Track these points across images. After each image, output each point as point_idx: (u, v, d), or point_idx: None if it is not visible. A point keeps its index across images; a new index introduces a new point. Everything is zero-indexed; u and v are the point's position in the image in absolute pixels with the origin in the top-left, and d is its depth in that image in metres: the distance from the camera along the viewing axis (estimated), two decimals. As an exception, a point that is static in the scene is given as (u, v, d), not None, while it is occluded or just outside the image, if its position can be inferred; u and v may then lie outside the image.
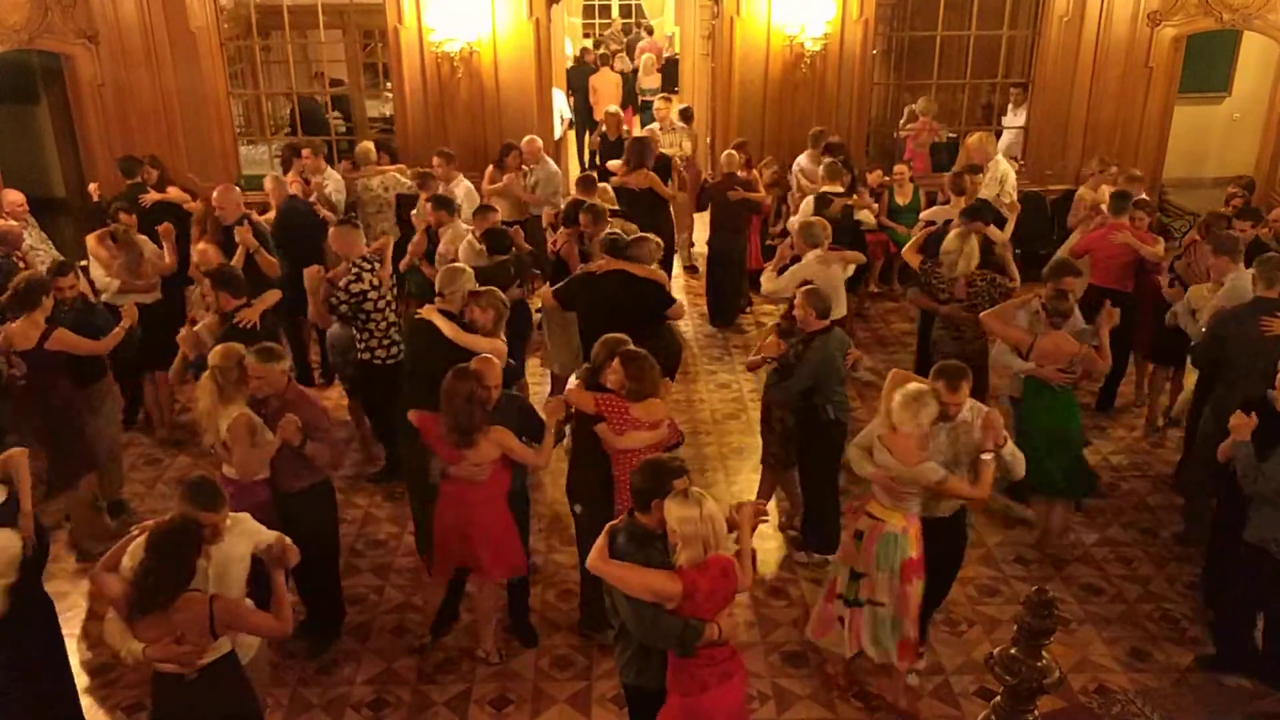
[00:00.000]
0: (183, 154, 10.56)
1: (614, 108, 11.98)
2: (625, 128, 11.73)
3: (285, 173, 9.41)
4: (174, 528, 3.86)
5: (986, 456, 4.82)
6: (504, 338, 6.01)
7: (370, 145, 9.79)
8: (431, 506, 5.32)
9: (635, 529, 3.97)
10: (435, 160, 9.12)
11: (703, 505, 3.80)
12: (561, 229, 7.68)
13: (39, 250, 8.07)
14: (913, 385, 4.85)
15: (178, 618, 3.75)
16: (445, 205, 7.83)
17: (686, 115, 11.52)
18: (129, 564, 3.90)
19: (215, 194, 7.65)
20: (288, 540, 4.32)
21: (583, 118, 15.23)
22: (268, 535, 4.33)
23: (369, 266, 6.72)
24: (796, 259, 7.28)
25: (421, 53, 10.35)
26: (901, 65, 12.43)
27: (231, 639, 3.98)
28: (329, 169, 9.50)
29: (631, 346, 5.21)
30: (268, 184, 8.70)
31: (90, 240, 7.65)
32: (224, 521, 4.15)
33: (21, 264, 7.36)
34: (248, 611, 4.03)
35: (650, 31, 20.04)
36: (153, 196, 8.88)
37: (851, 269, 7.53)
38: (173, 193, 9.15)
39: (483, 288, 6.01)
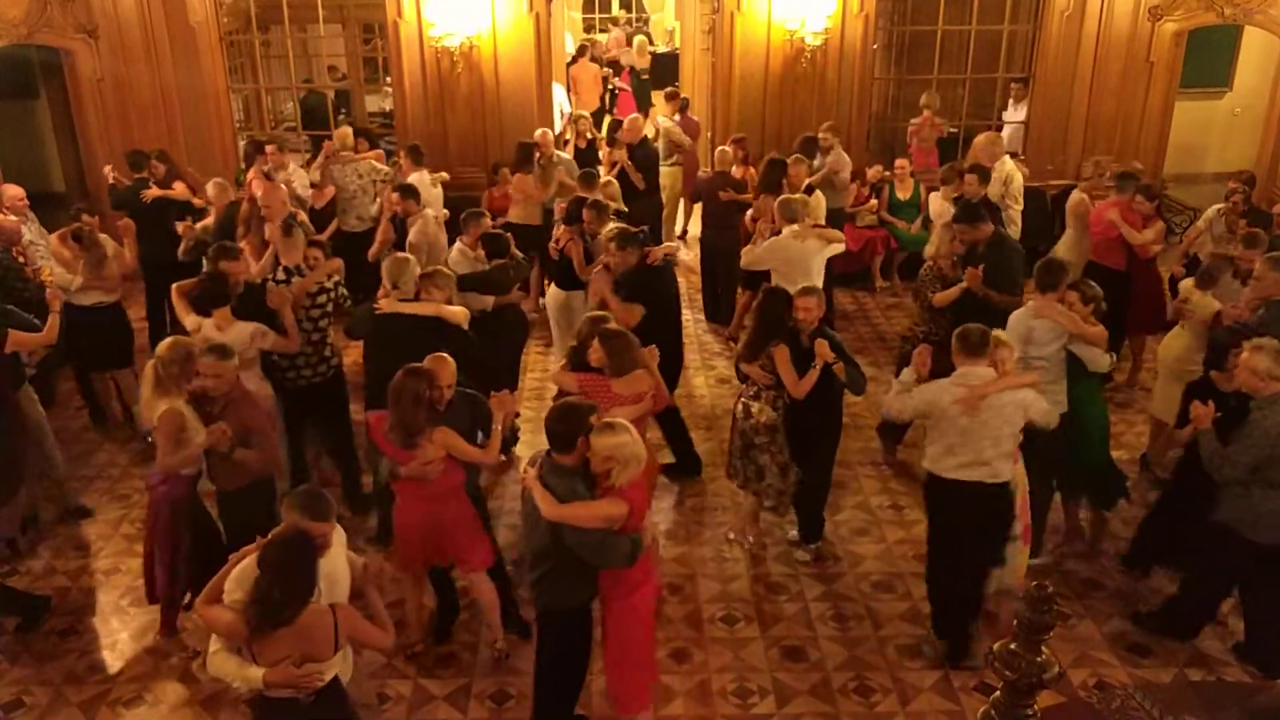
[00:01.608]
0: (182, 149, 10.54)
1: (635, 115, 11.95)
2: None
3: (248, 168, 9.41)
4: (290, 539, 3.76)
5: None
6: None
7: (348, 131, 9.74)
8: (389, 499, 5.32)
9: (559, 468, 4.28)
10: (402, 155, 9.20)
11: (628, 429, 4.25)
12: (564, 227, 7.65)
13: (39, 245, 8.05)
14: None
15: (304, 632, 3.71)
16: (412, 194, 7.83)
17: (682, 105, 11.65)
18: (236, 592, 3.81)
19: (261, 194, 7.53)
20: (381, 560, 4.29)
21: None
22: (353, 555, 4.31)
23: (285, 278, 6.43)
24: (777, 234, 7.31)
25: (421, 47, 10.34)
26: (902, 60, 12.44)
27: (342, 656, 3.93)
28: (293, 165, 9.51)
29: (610, 325, 5.35)
30: (210, 189, 8.44)
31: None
32: (333, 532, 4.11)
33: (21, 259, 7.35)
34: (364, 622, 3.97)
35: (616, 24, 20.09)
36: (154, 192, 8.86)
37: (838, 247, 7.49)
38: (179, 188, 9.12)
39: (433, 268, 6.27)
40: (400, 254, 6.55)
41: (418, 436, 4.85)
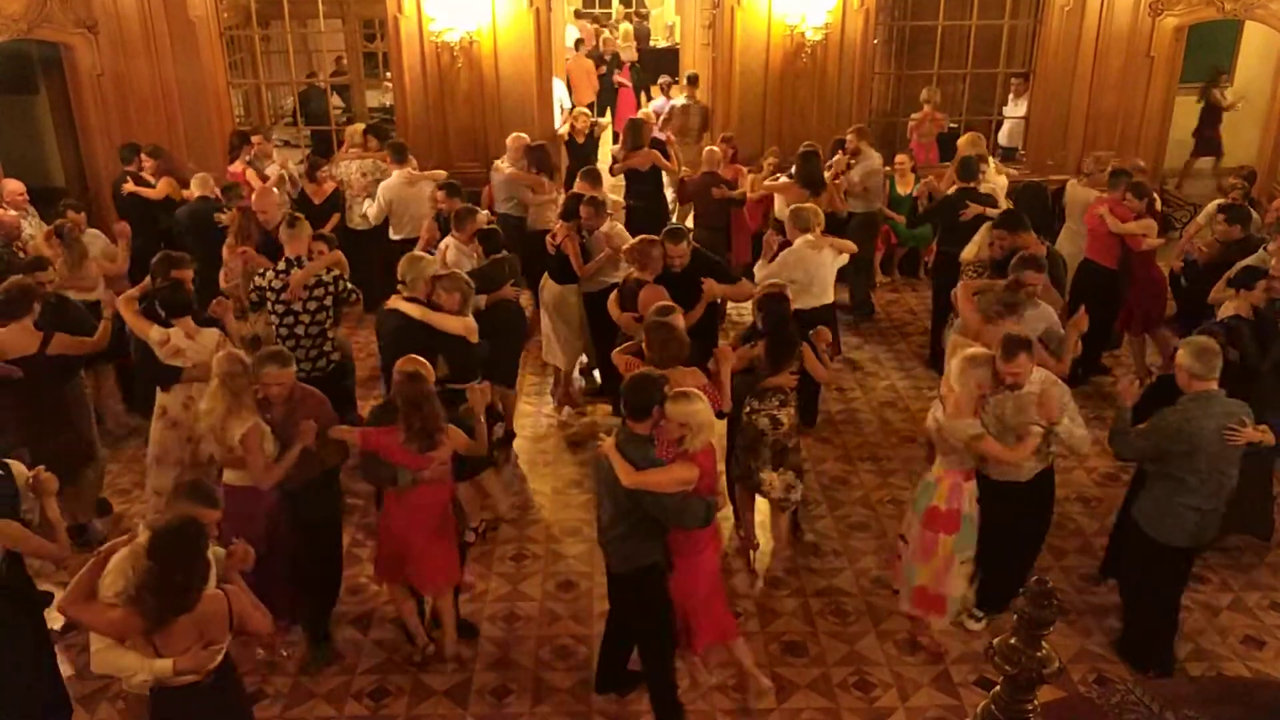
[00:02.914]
0: (182, 144, 10.55)
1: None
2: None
3: (232, 161, 9.40)
4: (182, 527, 3.71)
5: (1035, 429, 4.98)
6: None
7: (358, 128, 9.75)
8: None
9: (635, 437, 4.51)
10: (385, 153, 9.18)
11: (701, 397, 4.55)
12: (561, 223, 7.62)
13: (38, 240, 8.05)
14: (971, 350, 5.10)
15: (203, 617, 3.71)
16: (458, 193, 7.79)
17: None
18: (116, 585, 3.74)
19: (254, 199, 7.55)
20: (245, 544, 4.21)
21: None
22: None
23: (284, 268, 6.53)
24: (786, 245, 7.28)
25: (421, 42, 10.32)
26: (903, 55, 12.41)
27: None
28: (277, 155, 9.56)
29: (665, 318, 5.45)
30: (194, 185, 8.47)
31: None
32: (219, 520, 4.14)
33: (21, 254, 7.35)
34: (250, 603, 3.98)
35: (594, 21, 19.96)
36: (129, 188, 8.84)
37: (845, 258, 7.45)
38: (162, 186, 9.08)
39: (449, 271, 6.24)
40: (416, 253, 6.55)
41: (438, 434, 4.91)
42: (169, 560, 3.63)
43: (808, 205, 7.53)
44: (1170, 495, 4.96)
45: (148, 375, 6.03)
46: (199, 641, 3.73)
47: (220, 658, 3.84)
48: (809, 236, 7.16)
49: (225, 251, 7.46)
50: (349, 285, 6.72)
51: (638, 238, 6.75)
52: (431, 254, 7.04)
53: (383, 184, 8.79)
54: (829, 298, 7.31)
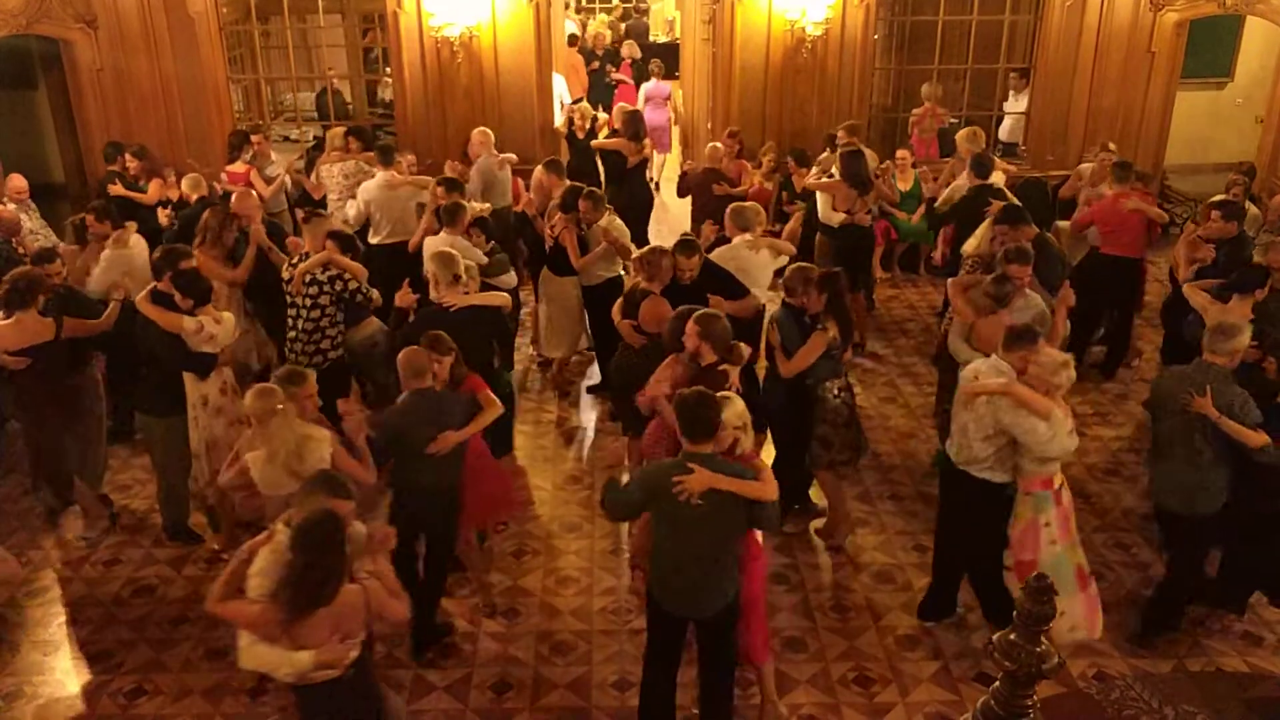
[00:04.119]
0: (182, 140, 10.55)
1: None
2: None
3: (232, 160, 9.38)
4: (320, 520, 3.74)
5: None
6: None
7: (338, 132, 9.65)
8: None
9: (706, 458, 4.19)
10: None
11: (738, 398, 4.68)
12: (560, 215, 7.60)
13: (38, 235, 8.06)
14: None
15: (340, 610, 3.74)
16: (457, 189, 7.77)
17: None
18: (262, 586, 3.82)
19: (234, 200, 7.47)
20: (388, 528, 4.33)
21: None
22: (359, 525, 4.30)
23: (297, 260, 6.79)
24: (724, 240, 7.22)
25: (421, 37, 10.31)
26: (903, 50, 12.40)
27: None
28: (275, 156, 9.50)
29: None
30: (185, 185, 8.49)
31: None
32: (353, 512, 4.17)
33: (20, 249, 7.35)
34: (386, 594, 3.97)
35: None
36: (118, 189, 8.82)
37: (783, 259, 7.21)
38: (153, 190, 9.01)
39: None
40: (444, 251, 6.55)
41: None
42: (310, 553, 3.67)
43: (749, 204, 7.45)
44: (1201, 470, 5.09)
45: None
46: (335, 634, 3.75)
47: (356, 651, 3.86)
48: (747, 236, 7.07)
49: (196, 253, 7.25)
50: (359, 289, 6.70)
51: (647, 247, 6.59)
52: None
53: (363, 185, 8.57)
54: (764, 299, 7.09)
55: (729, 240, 7.16)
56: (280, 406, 4.79)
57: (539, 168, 8.65)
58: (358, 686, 3.92)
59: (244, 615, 3.83)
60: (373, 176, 8.60)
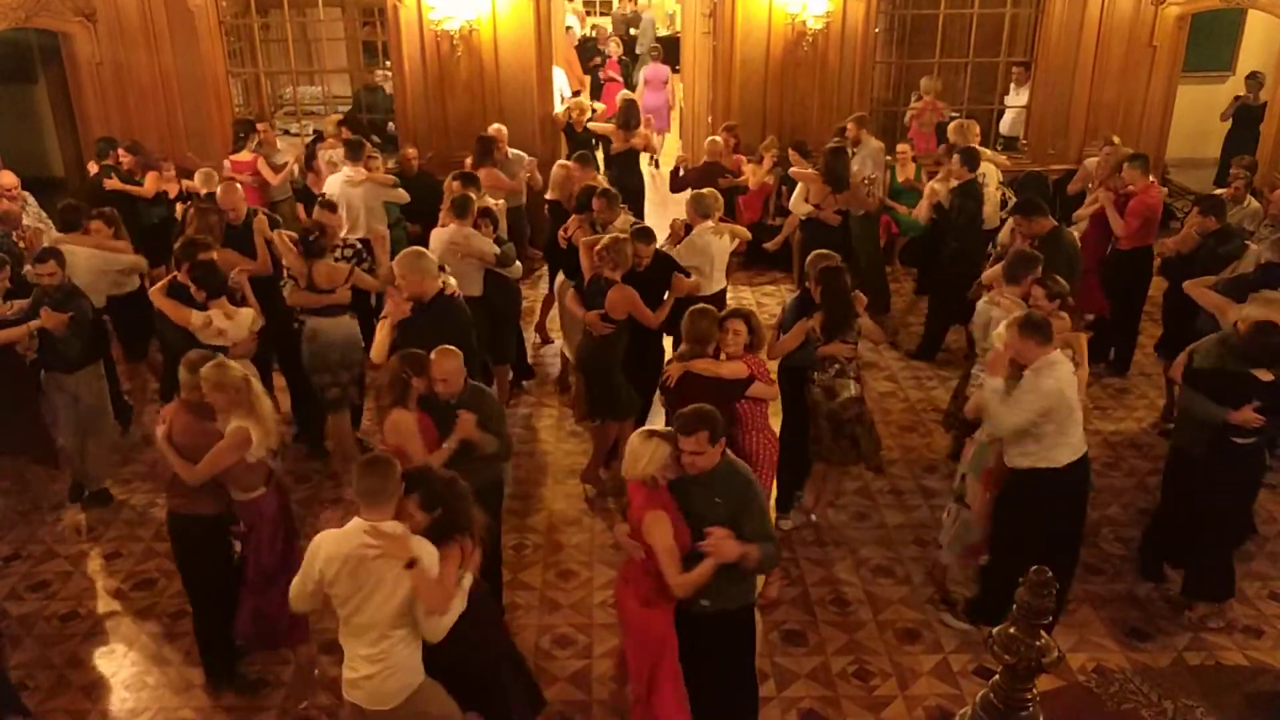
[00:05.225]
0: (181, 134, 10.54)
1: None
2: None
3: (237, 150, 9.36)
4: (450, 480, 4.09)
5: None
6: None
7: (333, 119, 9.71)
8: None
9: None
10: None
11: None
12: (574, 215, 7.56)
13: (39, 230, 8.05)
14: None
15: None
16: (473, 183, 7.75)
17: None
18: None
19: (219, 193, 7.32)
20: None
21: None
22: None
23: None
24: (689, 229, 7.32)
25: (421, 31, 10.30)
26: (904, 44, 12.39)
27: None
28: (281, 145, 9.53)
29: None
30: (197, 178, 8.40)
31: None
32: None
33: (21, 244, 7.34)
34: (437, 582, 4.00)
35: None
36: (114, 184, 8.80)
37: (737, 242, 7.59)
38: (149, 183, 8.97)
39: None
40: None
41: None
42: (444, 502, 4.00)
43: (708, 191, 7.61)
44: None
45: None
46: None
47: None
48: (709, 223, 7.23)
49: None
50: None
51: (607, 236, 6.57)
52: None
53: (328, 180, 8.49)
54: (723, 283, 7.44)
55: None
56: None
57: (570, 161, 8.71)
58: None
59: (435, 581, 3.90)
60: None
